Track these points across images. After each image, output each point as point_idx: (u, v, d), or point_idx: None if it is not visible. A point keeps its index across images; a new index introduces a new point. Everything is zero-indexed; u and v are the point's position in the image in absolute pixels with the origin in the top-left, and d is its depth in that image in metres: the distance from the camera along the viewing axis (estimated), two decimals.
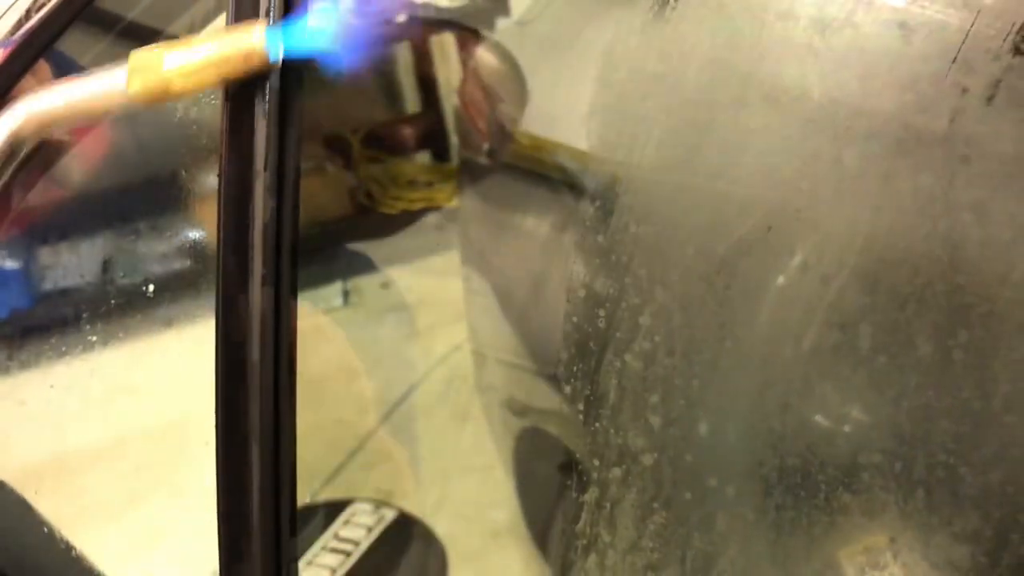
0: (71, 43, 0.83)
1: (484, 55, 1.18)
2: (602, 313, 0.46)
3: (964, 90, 0.36)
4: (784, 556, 0.42)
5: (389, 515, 1.39)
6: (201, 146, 0.78)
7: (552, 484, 1.28)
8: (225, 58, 0.50)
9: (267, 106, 0.53)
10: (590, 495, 0.45)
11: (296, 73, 0.53)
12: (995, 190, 0.37)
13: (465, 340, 1.62)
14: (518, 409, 1.20)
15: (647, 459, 0.44)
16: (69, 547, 0.73)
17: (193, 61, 0.50)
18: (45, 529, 0.74)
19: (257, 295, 0.54)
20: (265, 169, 0.54)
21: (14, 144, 0.50)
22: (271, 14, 0.53)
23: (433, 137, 2.09)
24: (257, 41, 0.50)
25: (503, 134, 1.36)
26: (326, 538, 1.35)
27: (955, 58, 0.36)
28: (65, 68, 0.79)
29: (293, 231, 0.55)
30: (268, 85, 0.53)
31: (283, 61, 0.51)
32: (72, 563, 0.71)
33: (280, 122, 0.54)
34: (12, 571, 0.71)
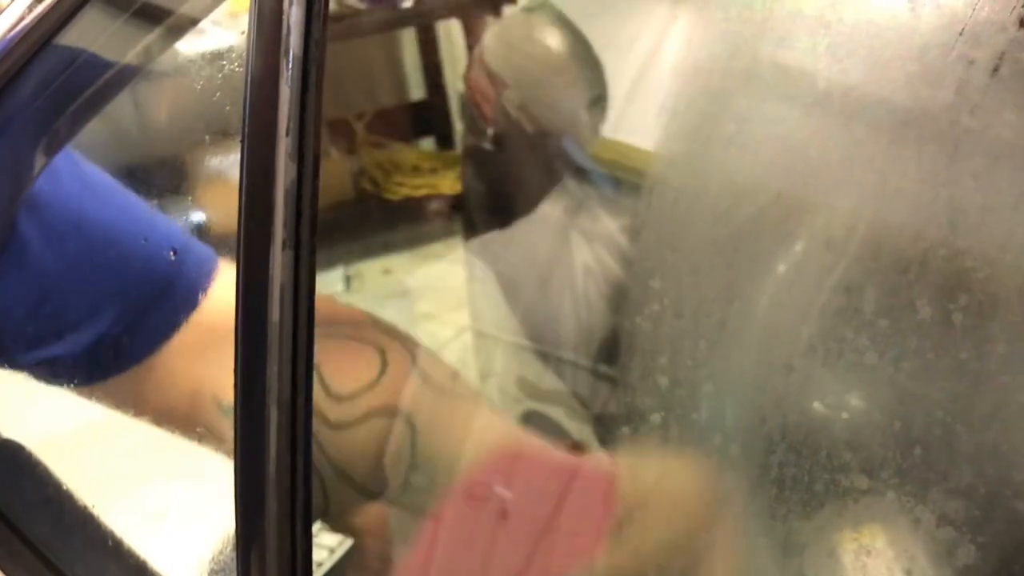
0: (79, 32, 0.83)
1: (546, 35, 1.17)
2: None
3: (970, 62, 0.38)
4: (786, 511, 0.44)
5: None
6: (207, 126, 0.79)
7: None
8: None
9: (290, 72, 0.55)
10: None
11: (319, 43, 0.55)
12: (997, 159, 0.39)
13: (467, 327, 1.63)
14: (523, 388, 1.21)
15: (655, 418, 0.46)
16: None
17: None
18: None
19: (278, 259, 0.55)
20: (287, 135, 0.55)
21: None
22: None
23: (437, 124, 2.10)
24: None
25: (508, 119, 1.37)
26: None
27: (962, 31, 0.38)
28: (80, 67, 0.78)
29: (313, 197, 0.56)
30: (291, 52, 0.55)
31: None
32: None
33: (302, 89, 0.55)
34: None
